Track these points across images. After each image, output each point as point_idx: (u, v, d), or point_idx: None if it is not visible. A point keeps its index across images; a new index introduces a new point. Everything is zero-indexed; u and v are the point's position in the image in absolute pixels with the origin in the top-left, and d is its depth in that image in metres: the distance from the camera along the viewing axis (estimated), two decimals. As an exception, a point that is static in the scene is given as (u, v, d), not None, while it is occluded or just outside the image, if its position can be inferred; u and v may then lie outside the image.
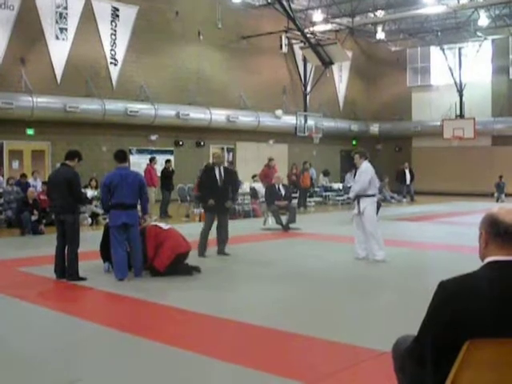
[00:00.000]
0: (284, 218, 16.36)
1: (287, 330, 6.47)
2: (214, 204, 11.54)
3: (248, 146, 30.01)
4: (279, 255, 12.13)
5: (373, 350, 5.63)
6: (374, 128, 36.37)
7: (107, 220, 9.89)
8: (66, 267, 9.34)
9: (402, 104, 36.05)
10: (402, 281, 9.49)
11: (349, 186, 26.44)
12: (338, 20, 30.22)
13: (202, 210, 13.17)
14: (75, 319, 7.17)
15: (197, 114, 26.61)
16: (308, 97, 32.49)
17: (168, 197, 20.69)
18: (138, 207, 9.88)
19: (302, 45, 29.47)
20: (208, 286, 9.08)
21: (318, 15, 29.42)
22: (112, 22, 24.68)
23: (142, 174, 17.10)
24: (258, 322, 6.80)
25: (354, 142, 36.47)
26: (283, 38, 30.44)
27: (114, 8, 24.68)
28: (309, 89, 32.46)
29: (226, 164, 26.85)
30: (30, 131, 22.54)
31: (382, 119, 36.21)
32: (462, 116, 33.11)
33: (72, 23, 23.28)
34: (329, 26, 30.61)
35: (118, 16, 24.82)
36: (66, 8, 23.08)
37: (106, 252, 9.88)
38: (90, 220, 17.74)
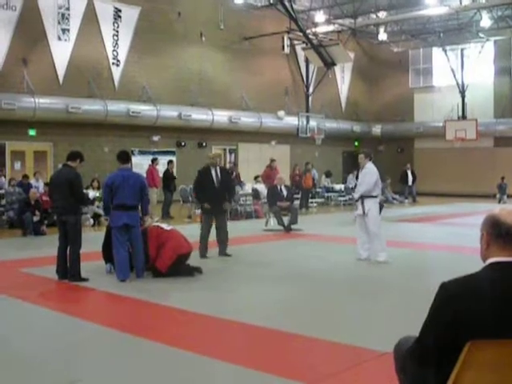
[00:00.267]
0: (286, 219, 16.35)
1: (288, 330, 6.47)
2: (210, 206, 11.53)
3: (250, 147, 30.00)
4: (281, 256, 12.13)
5: (374, 350, 5.63)
6: (376, 129, 36.36)
7: (109, 221, 9.89)
8: (68, 268, 9.34)
9: (404, 105, 36.02)
10: (403, 281, 9.48)
11: (351, 186, 26.51)
12: (340, 21, 30.21)
13: (200, 212, 13.12)
14: (77, 320, 7.17)
15: (199, 115, 26.61)
16: (310, 98, 32.47)
17: (170, 198, 20.69)
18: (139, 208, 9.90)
19: (304, 46, 29.46)
20: (209, 286, 9.07)
21: (320, 16, 29.40)
22: (114, 22, 24.70)
23: (144, 175, 17.14)
24: (259, 322, 6.80)
25: (356, 143, 36.48)
26: (285, 38, 30.45)
27: (116, 9, 24.70)
28: (311, 90, 32.44)
29: (228, 165, 26.95)
30: (31, 132, 22.56)
31: (384, 120, 36.19)
32: (464, 117, 33.10)
33: (74, 24, 23.30)
34: (331, 27, 30.60)
35: (120, 17, 24.84)
36: (68, 9, 23.10)
37: (107, 253, 9.88)
38: (91, 221, 17.73)
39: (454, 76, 33.05)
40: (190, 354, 5.71)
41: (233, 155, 29.69)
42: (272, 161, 23.11)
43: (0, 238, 15.27)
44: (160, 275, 9.51)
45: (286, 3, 24.62)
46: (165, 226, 10.41)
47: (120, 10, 24.80)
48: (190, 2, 27.18)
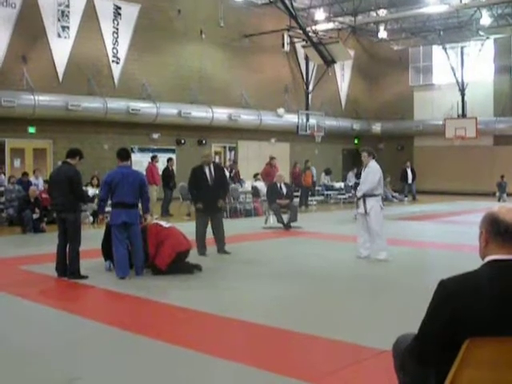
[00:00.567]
0: (285, 217, 16.35)
1: (288, 328, 6.47)
2: (205, 204, 11.52)
3: (250, 145, 30.00)
4: (280, 254, 12.13)
5: (374, 348, 5.64)
6: (376, 127, 36.36)
7: (109, 219, 9.89)
8: (68, 265, 9.35)
9: (404, 103, 36.01)
10: (403, 280, 9.49)
11: (350, 184, 26.52)
12: (340, 19, 30.19)
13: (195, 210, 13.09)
14: (76, 317, 7.17)
15: (199, 113, 26.59)
16: (310, 95, 32.45)
17: (170, 195, 20.68)
18: (140, 206, 9.90)
19: (304, 43, 29.45)
20: (209, 284, 9.08)
21: (320, 14, 29.39)
22: (114, 20, 24.67)
23: (144, 172, 17.14)
24: (259, 320, 6.80)
25: (355, 141, 36.49)
26: (285, 36, 30.42)
27: (116, 6, 24.68)
28: (311, 87, 32.42)
29: (228, 163, 26.96)
30: (31, 129, 22.55)
31: (384, 118, 36.18)
32: (464, 115, 33.07)
33: (74, 21, 23.27)
34: (331, 25, 30.57)
35: (120, 14, 24.81)
36: (67, 6, 23.07)
37: (107, 250, 9.89)
38: (91, 218, 17.74)
39: (454, 74, 33.02)
40: (190, 352, 5.71)
41: (232, 153, 29.68)
42: (272, 158, 23.11)
43: (0, 236, 15.29)
44: (159, 273, 9.51)
45: (286, 1, 24.60)
46: (164, 223, 10.42)
47: (120, 8, 24.78)
48: (190, -1, 27.18)
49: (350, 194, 26.38)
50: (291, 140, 31.74)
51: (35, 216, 15.68)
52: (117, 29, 24.77)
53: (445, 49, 32.71)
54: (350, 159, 35.36)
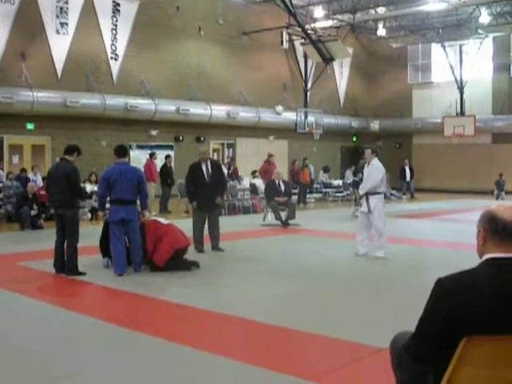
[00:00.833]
0: (283, 214, 16.35)
1: (286, 326, 6.48)
2: (202, 202, 11.53)
3: (248, 142, 29.98)
4: (278, 251, 12.13)
5: (371, 346, 5.65)
6: (375, 125, 36.34)
7: (107, 215, 9.89)
8: (66, 262, 9.35)
9: (403, 101, 35.99)
10: (401, 277, 9.50)
11: (348, 182, 26.54)
12: (339, 16, 30.14)
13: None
14: (74, 314, 7.18)
15: (197, 110, 26.57)
16: (308, 93, 32.46)
17: (168, 192, 20.69)
18: (138, 202, 9.90)
19: (302, 41, 29.44)
20: (207, 281, 9.09)
21: (319, 11, 29.34)
22: (113, 16, 24.63)
23: (142, 169, 17.12)
24: (257, 317, 6.81)
25: (354, 139, 36.49)
26: (284, 34, 30.40)
27: (115, 3, 24.62)
28: (309, 85, 32.43)
29: (226, 160, 26.95)
30: (30, 126, 22.52)
31: (382, 116, 36.15)
32: (462, 113, 33.07)
33: (73, 18, 23.23)
34: (330, 23, 30.53)
35: (118, 11, 24.77)
36: (66, 2, 23.02)
37: (105, 247, 9.89)
38: (89, 215, 17.75)
39: (453, 72, 33.02)
40: (187, 349, 5.72)
41: (231, 150, 29.67)
42: (270, 156, 23.10)
43: (-3, 232, 15.31)
44: (157, 269, 9.52)
45: (285, -2, 24.58)
46: (162, 220, 10.43)
47: (119, 4, 24.73)
48: (189, -4, 27.14)
49: (348, 192, 26.42)
50: (289, 137, 31.73)
51: (33, 212, 15.68)
52: (115, 25, 24.73)
53: (443, 47, 32.69)
54: (348, 157, 35.37)
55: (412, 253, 12.11)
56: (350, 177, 26.96)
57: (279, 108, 29.86)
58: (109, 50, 24.60)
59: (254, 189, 21.34)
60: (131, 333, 6.28)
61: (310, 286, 8.79)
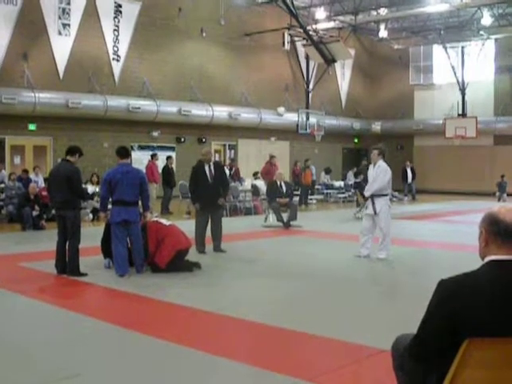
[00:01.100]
0: (285, 216, 16.35)
1: (287, 327, 6.47)
2: (205, 203, 11.53)
3: (250, 143, 29.99)
4: (280, 252, 12.12)
5: (372, 347, 5.64)
6: (376, 126, 36.33)
7: (108, 216, 9.89)
8: (67, 263, 9.35)
9: (405, 102, 35.99)
10: (403, 279, 9.49)
11: (350, 183, 26.54)
12: (340, 18, 30.14)
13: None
14: (75, 314, 7.17)
15: (199, 111, 26.60)
16: (310, 94, 32.47)
17: (169, 193, 20.70)
18: (140, 203, 9.90)
19: (304, 42, 29.43)
20: (208, 282, 9.08)
21: (320, 13, 29.38)
22: (115, 18, 24.66)
23: (144, 170, 17.14)
24: (258, 318, 6.80)
25: (355, 140, 36.50)
26: (286, 35, 30.38)
27: (117, 4, 24.66)
28: (311, 86, 32.44)
29: (227, 161, 26.95)
30: (31, 126, 22.55)
31: (384, 117, 36.15)
32: (464, 115, 33.04)
33: (75, 19, 23.27)
34: (331, 24, 30.53)
35: (120, 12, 24.80)
36: (68, 4, 23.06)
37: (106, 248, 9.89)
38: (91, 216, 17.76)
39: (455, 74, 33.00)
40: (188, 350, 5.72)
41: (232, 151, 29.68)
42: (272, 157, 23.09)
43: (-1, 233, 15.32)
44: (159, 271, 9.52)
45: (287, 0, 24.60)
46: (164, 221, 10.42)
47: (121, 5, 24.76)
48: (191, -3, 27.16)
49: (350, 193, 26.42)
50: (291, 139, 31.75)
51: (35, 213, 15.69)
52: (117, 26, 24.76)
53: (445, 48, 32.68)
54: (349, 158, 35.38)
55: (414, 254, 12.09)
56: (351, 178, 26.96)
57: (281, 109, 29.89)
58: (111, 51, 24.63)
59: (255, 190, 21.34)
60: (132, 334, 6.28)
61: (312, 287, 8.78)
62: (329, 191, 27.62)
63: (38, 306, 7.64)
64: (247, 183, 22.56)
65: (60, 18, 22.88)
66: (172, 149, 26.44)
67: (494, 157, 32.41)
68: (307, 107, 31.61)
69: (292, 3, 24.92)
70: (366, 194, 11.23)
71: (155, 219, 10.51)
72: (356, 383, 5.14)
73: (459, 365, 2.63)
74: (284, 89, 31.51)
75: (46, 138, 23.18)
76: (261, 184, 21.33)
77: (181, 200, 20.49)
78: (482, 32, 30.96)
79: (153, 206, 16.39)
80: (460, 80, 33.11)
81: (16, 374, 5.16)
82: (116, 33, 24.74)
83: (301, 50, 31.47)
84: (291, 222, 16.26)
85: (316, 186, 27.49)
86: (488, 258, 2.83)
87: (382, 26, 31.31)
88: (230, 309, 7.28)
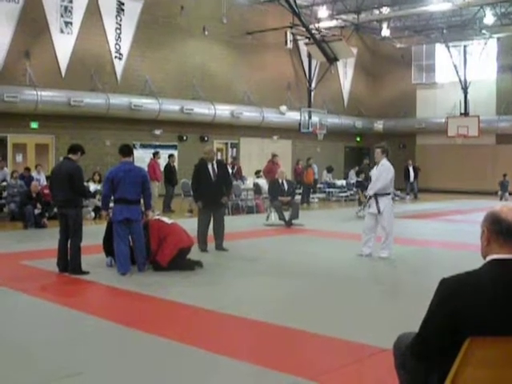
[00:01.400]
0: (287, 214, 16.34)
1: (289, 325, 6.47)
2: (208, 201, 11.53)
3: (252, 142, 29.99)
4: (282, 251, 12.12)
5: (374, 346, 5.64)
6: (379, 125, 36.32)
7: (110, 214, 9.90)
8: (69, 261, 9.35)
9: (407, 101, 35.97)
10: (405, 278, 9.49)
11: (352, 182, 26.53)
12: (343, 16, 30.13)
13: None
14: (77, 313, 7.18)
15: (201, 109, 26.59)
16: (312, 93, 32.46)
17: (171, 191, 20.70)
18: (142, 202, 9.90)
19: (306, 41, 29.36)
20: (210, 281, 9.08)
21: (323, 11, 29.36)
22: (117, 16, 24.66)
23: (146, 168, 17.14)
24: (260, 317, 6.80)
25: (358, 139, 36.49)
26: (288, 33, 30.33)
27: (119, 2, 24.65)
28: (313, 85, 32.44)
29: (229, 160, 26.93)
30: (34, 125, 22.56)
31: (386, 116, 36.13)
32: (466, 114, 33.01)
33: (77, 17, 23.27)
34: (334, 23, 30.54)
35: (123, 10, 24.80)
36: (71, 2, 23.06)
37: (108, 246, 9.89)
38: (93, 214, 17.77)
39: (457, 72, 32.98)
40: (190, 348, 5.72)
41: (234, 150, 29.67)
42: (274, 156, 23.08)
43: (1, 231, 15.30)
44: (161, 269, 9.52)
45: (289, -2, 24.56)
46: (166, 219, 10.42)
47: (123, 4, 24.75)
48: (193, -5, 27.15)
49: (352, 192, 26.40)
50: (293, 137, 31.75)
51: (37, 211, 15.71)
52: (120, 25, 24.76)
53: (448, 47, 32.64)
54: (351, 157, 35.37)
55: (416, 253, 12.08)
56: (353, 177, 26.97)
57: (283, 108, 29.88)
58: (113, 50, 24.63)
59: (257, 189, 21.33)
60: (134, 332, 6.28)
61: (314, 286, 8.78)
62: (331, 190, 27.61)
63: (40, 304, 7.65)
64: (249, 182, 22.55)
65: (62, 15, 22.88)
66: (174, 147, 26.45)
67: (496, 156, 32.40)
68: (309, 106, 31.61)
69: (294, 2, 24.89)
70: (370, 192, 11.21)
71: (157, 217, 10.51)
72: (358, 382, 5.14)
73: (461, 363, 2.63)
74: (286, 87, 31.50)
75: (48, 136, 23.19)
76: (263, 182, 21.31)
77: (183, 198, 20.50)
78: (484, 31, 30.93)
79: (155, 205, 16.37)
80: (462, 79, 33.07)
81: (18, 372, 5.17)
82: (118, 31, 24.74)
83: (303, 49, 31.44)
84: (293, 221, 16.26)
85: (318, 185, 27.48)
86: (490, 257, 2.83)
87: (385, 25, 31.25)
88: (232, 307, 7.28)
